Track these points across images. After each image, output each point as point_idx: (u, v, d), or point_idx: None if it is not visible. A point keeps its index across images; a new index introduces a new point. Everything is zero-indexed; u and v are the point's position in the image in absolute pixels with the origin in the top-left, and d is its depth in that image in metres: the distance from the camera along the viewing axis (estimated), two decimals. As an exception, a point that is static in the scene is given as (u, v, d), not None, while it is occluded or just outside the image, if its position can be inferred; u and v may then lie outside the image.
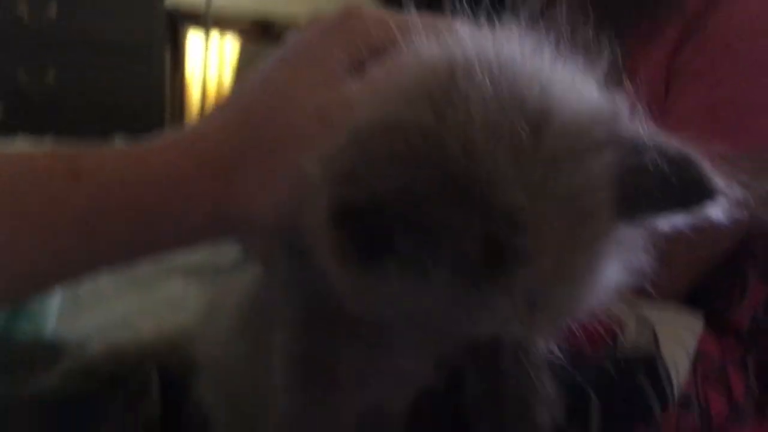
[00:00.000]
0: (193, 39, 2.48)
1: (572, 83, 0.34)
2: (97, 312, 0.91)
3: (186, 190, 0.38)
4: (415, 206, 0.29)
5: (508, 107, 0.31)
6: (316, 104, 0.38)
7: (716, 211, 0.32)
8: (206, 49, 2.43)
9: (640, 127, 0.33)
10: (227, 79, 2.51)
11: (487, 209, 0.29)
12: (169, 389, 0.60)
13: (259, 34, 2.46)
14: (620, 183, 0.32)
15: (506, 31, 0.36)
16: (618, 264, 0.34)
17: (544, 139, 0.31)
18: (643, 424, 0.53)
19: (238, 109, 0.41)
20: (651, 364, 0.54)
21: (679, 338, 0.57)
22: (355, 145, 0.32)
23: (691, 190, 0.32)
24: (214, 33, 2.45)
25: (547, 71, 0.34)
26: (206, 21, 2.37)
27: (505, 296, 0.31)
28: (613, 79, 0.35)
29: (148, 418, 0.59)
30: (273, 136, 0.39)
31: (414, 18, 0.38)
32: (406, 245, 0.29)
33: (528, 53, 0.34)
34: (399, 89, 0.33)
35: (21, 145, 1.08)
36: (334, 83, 0.39)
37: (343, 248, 0.31)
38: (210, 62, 2.47)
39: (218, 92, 2.50)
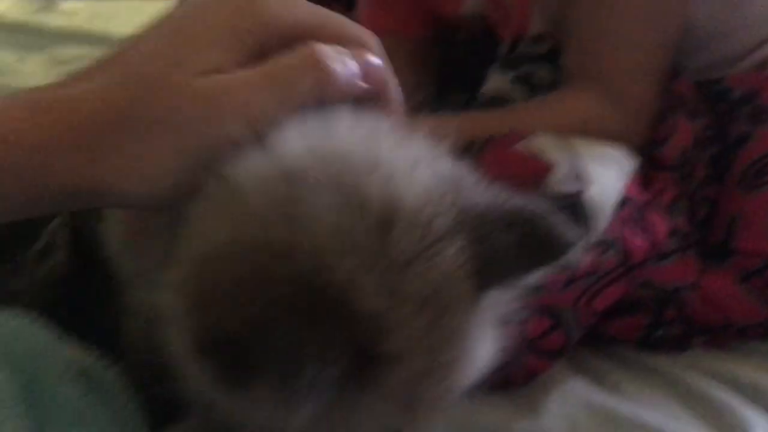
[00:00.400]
0: None
1: (414, 164, 0.33)
2: None
3: (51, 158, 0.35)
4: (275, 329, 0.28)
5: (354, 210, 0.30)
6: (204, 87, 0.35)
7: (574, 256, 0.33)
8: None
9: (484, 191, 0.34)
10: None
11: (347, 319, 0.29)
12: (79, 238, 0.57)
13: None
14: (478, 258, 0.32)
15: (343, 117, 0.35)
16: (497, 327, 0.35)
17: (393, 240, 0.30)
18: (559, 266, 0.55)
19: (120, 78, 0.37)
20: (575, 206, 0.55)
21: (607, 180, 0.58)
22: (208, 271, 0.31)
23: (547, 246, 0.33)
24: None
25: (388, 157, 0.33)
26: None
27: (380, 401, 0.31)
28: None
29: (57, 271, 0.57)
30: (152, 115, 0.36)
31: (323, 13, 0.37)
32: (272, 368, 0.29)
33: (366, 139, 0.34)
34: (242, 203, 0.32)
35: None
36: (229, 65, 0.36)
37: (212, 376, 0.30)
38: None
39: None
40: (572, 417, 0.56)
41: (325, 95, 0.35)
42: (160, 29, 0.38)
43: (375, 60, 0.37)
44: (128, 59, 0.38)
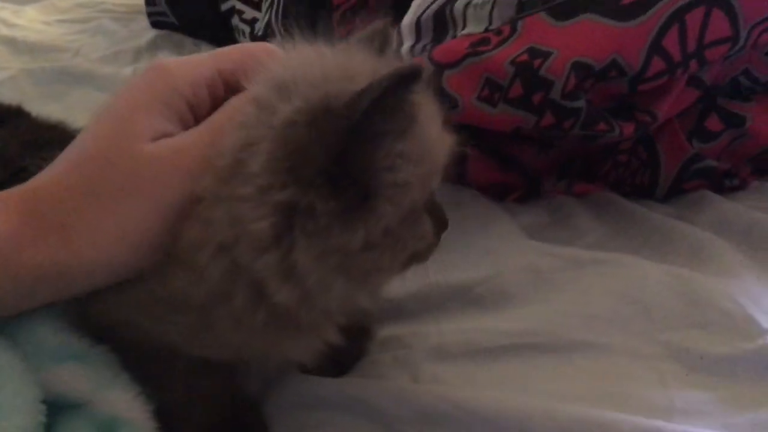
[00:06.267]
0: None
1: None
2: None
3: (20, 246, 0.38)
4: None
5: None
6: (157, 151, 0.40)
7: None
8: None
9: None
10: None
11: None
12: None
13: None
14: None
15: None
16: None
17: (331, 91, 0.40)
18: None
19: (70, 165, 0.41)
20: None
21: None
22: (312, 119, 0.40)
23: (395, 76, 0.41)
24: None
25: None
26: None
27: (407, 147, 0.42)
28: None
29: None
30: (112, 185, 0.40)
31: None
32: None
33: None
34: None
35: None
36: (175, 129, 0.42)
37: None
38: None
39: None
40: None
41: None
42: (101, 115, 0.43)
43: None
44: (80, 145, 0.42)
